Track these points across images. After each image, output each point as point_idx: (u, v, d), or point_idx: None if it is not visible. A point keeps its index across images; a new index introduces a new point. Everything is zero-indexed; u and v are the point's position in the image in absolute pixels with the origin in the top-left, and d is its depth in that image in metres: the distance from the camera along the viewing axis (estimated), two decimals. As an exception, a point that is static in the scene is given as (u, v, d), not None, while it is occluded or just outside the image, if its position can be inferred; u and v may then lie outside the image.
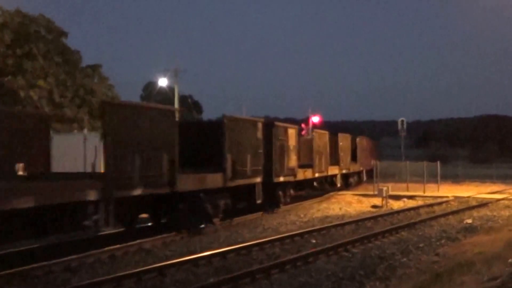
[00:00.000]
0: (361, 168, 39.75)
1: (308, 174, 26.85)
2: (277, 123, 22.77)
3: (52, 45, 34.87)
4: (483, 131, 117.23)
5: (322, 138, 29.73)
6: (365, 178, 40.69)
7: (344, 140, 34.27)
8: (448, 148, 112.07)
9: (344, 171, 33.98)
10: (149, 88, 61.42)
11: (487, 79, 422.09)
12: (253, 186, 20.24)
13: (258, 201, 20.58)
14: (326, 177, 30.82)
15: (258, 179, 20.43)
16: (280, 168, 22.24)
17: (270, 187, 21.77)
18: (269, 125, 21.85)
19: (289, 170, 23.51)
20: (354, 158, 37.16)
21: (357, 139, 38.67)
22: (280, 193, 23.11)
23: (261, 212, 21.75)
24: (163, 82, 46.22)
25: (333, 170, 31.52)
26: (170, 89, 46.88)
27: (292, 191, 24.95)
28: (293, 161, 23.94)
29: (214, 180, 17.38)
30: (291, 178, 23.97)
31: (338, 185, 32.61)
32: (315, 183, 29.02)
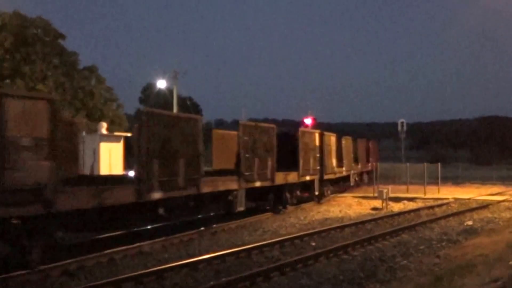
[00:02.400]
0: (311, 178, 26.48)
1: (123, 196, 13.45)
2: None
3: (50, 47, 34.93)
4: (483, 132, 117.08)
5: (184, 129, 15.99)
6: (316, 192, 27.40)
7: (262, 135, 21.22)
8: (449, 149, 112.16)
9: (257, 184, 20.61)
10: (148, 90, 61.45)
11: (487, 81, 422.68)
12: None
13: None
14: (199, 197, 17.23)
15: None
16: None
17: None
18: None
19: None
20: (294, 163, 24.55)
21: (299, 134, 25.21)
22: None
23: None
24: (162, 84, 46.05)
25: (225, 184, 18.66)
26: (170, 91, 46.87)
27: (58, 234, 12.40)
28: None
29: None
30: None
31: (240, 208, 19.64)
32: (161, 211, 15.27)
